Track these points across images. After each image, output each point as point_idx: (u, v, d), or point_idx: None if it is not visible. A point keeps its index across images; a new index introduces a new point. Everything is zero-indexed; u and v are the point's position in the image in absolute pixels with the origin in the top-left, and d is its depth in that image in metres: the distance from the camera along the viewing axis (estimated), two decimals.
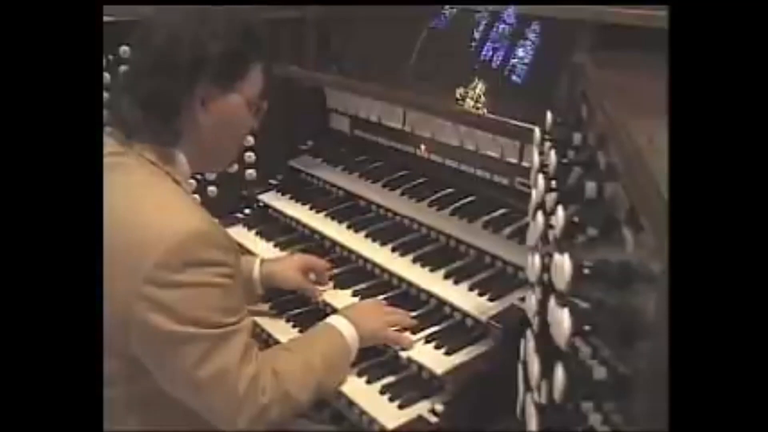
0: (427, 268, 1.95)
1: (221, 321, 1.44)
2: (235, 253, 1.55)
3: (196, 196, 2.64)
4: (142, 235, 1.40)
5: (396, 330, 1.79)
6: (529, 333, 1.26)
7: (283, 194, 2.53)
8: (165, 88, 1.51)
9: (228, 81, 1.56)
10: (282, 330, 1.98)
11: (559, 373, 0.89)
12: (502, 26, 2.08)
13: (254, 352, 1.53)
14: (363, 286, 2.03)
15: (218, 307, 1.44)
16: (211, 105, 1.55)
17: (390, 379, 1.75)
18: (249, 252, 2.29)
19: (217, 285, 1.43)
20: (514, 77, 2.02)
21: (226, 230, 1.57)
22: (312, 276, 2.06)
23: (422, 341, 1.77)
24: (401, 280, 1.98)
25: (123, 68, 2.52)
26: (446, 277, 1.90)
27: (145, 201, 1.48)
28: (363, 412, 1.67)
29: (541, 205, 1.23)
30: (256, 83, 1.63)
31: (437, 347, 1.74)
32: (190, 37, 1.51)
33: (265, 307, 2.08)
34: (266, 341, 1.95)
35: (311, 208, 2.39)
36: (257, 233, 2.40)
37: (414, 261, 1.99)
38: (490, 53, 2.09)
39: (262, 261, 2.04)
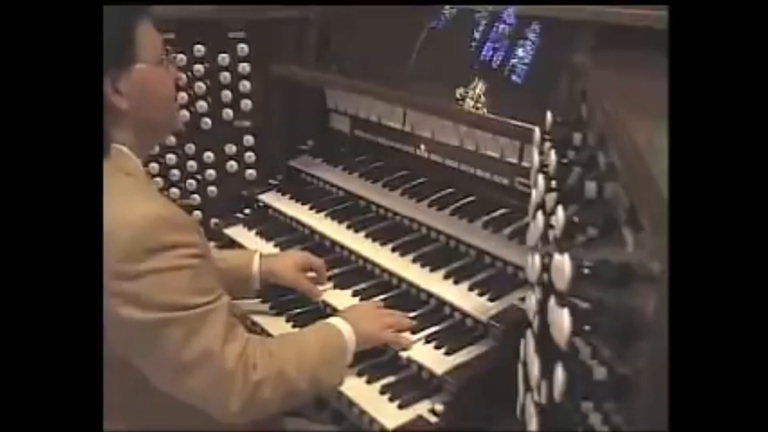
0: (427, 268, 1.95)
1: (195, 302, 1.43)
2: (199, 232, 1.53)
3: (196, 196, 2.65)
4: None
5: (394, 331, 1.79)
6: (529, 333, 1.26)
7: (283, 194, 2.53)
8: None
9: (125, 57, 1.50)
10: (282, 330, 1.98)
11: (559, 373, 0.89)
12: (502, 26, 2.08)
13: (239, 331, 1.53)
14: (363, 286, 2.03)
15: (189, 289, 1.43)
16: (124, 87, 1.49)
17: (390, 379, 1.75)
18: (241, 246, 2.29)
19: (184, 267, 1.42)
20: (514, 77, 2.02)
21: (183, 211, 1.54)
22: (311, 274, 2.06)
23: (422, 341, 1.78)
24: (401, 280, 1.98)
25: None
26: (446, 277, 1.90)
27: None
28: (363, 412, 1.67)
29: (541, 205, 1.23)
30: (151, 41, 1.55)
31: (437, 347, 1.74)
32: None
33: (265, 307, 2.08)
34: None
35: (311, 208, 2.39)
36: (257, 233, 2.40)
37: (414, 261, 1.99)
38: (490, 53, 2.09)
39: (261, 256, 2.04)
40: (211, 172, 2.65)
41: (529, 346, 1.23)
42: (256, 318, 2.02)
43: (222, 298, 1.51)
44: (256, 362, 1.50)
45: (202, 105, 2.58)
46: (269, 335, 1.96)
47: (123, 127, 1.52)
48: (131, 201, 1.46)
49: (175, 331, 1.41)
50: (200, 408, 1.50)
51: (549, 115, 1.39)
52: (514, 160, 2.01)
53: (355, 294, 2.01)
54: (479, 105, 2.07)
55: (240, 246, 2.34)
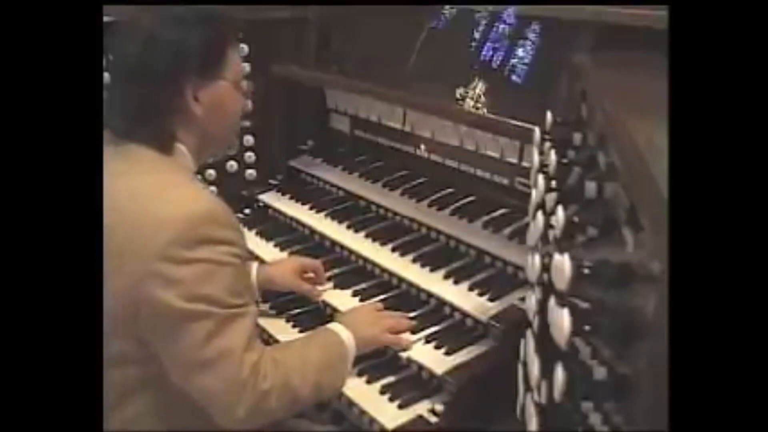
0: (427, 268, 1.95)
1: (229, 301, 1.46)
2: (243, 235, 1.58)
3: None
4: (154, 216, 1.43)
5: (393, 332, 1.78)
6: (529, 333, 1.26)
7: (283, 194, 2.53)
8: (155, 96, 1.53)
9: (213, 70, 1.59)
10: (282, 330, 1.98)
11: (559, 373, 0.89)
12: (502, 26, 2.08)
13: (259, 342, 1.55)
14: (363, 286, 2.03)
15: (227, 287, 1.45)
16: (203, 97, 1.57)
17: (390, 379, 1.75)
18: (249, 252, 2.29)
19: (228, 264, 1.46)
20: (514, 77, 2.02)
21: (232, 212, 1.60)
22: (310, 275, 2.06)
23: (422, 341, 1.78)
24: (401, 280, 1.98)
25: None
26: (446, 277, 1.90)
27: (153, 185, 1.51)
28: (363, 412, 1.67)
29: (541, 205, 1.23)
30: (238, 65, 1.67)
31: (437, 347, 1.74)
32: (167, 39, 1.53)
33: (265, 307, 2.08)
34: (266, 341, 1.94)
35: (311, 208, 2.39)
36: (257, 233, 2.40)
37: (414, 261, 1.99)
38: (490, 53, 2.09)
39: (259, 265, 2.04)
40: (211, 172, 2.65)
41: (529, 346, 1.23)
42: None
43: (252, 305, 1.54)
44: (267, 372, 1.51)
45: None
46: (270, 335, 1.96)
47: (190, 131, 1.59)
48: (191, 191, 1.52)
49: (204, 325, 1.43)
50: (206, 408, 1.51)
51: (549, 115, 1.39)
52: (514, 160, 2.01)
53: (355, 294, 2.01)
54: (479, 105, 2.07)
55: None
